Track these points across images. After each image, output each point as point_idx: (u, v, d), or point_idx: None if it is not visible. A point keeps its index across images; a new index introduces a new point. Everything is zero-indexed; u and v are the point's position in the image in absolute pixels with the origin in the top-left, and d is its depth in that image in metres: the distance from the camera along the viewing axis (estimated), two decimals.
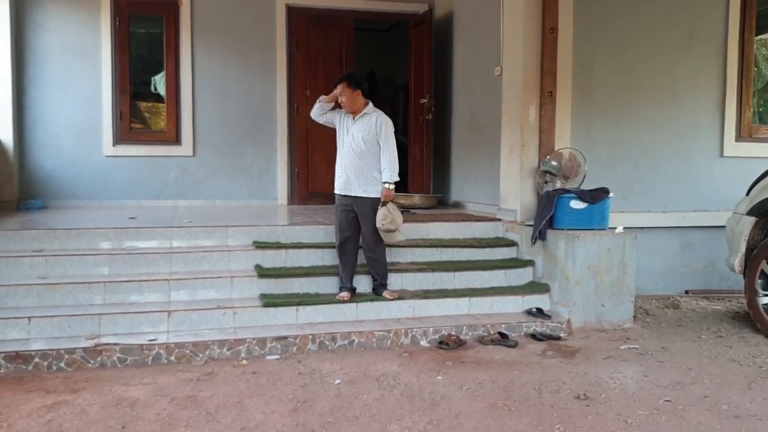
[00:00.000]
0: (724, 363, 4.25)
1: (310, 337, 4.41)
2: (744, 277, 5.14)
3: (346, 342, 4.48)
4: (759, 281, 4.96)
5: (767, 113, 6.99)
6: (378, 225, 4.86)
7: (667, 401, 3.56)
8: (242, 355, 4.26)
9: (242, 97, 8.01)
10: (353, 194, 4.91)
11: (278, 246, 5.21)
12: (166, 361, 4.14)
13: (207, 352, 4.21)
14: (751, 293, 5.03)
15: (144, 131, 7.98)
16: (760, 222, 5.08)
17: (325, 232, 5.39)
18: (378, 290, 4.98)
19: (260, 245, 5.20)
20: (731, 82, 6.53)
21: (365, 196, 4.90)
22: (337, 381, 3.82)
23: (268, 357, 4.27)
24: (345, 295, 4.85)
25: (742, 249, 5.12)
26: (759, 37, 6.84)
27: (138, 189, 7.73)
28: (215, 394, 3.60)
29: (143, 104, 8.08)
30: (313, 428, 3.15)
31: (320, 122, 5.15)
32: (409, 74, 8.62)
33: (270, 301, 4.64)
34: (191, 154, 7.88)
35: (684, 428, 3.20)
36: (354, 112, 4.93)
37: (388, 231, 4.92)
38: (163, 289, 4.72)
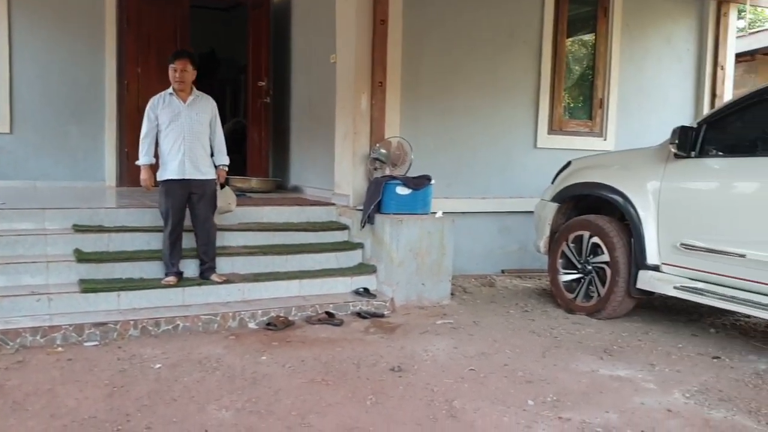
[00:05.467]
0: (526, 335, 4.70)
1: (132, 322, 4.33)
2: (548, 258, 5.68)
3: (170, 327, 4.45)
4: (560, 261, 5.50)
5: (576, 109, 7.68)
6: (223, 206, 5.04)
7: (471, 370, 3.89)
8: (58, 342, 4.10)
9: (68, 75, 7.56)
10: (195, 177, 4.88)
11: (100, 230, 5.03)
12: None
13: (18, 340, 4.01)
14: (553, 272, 5.57)
15: None
16: (562, 208, 5.61)
17: (152, 215, 5.27)
18: (206, 274, 4.97)
19: (80, 229, 4.99)
20: (545, 79, 7.09)
21: (207, 178, 4.95)
22: (158, 365, 3.81)
23: (85, 344, 4.14)
24: (172, 279, 4.81)
25: (547, 232, 5.65)
26: (570, 39, 7.50)
27: None
28: (24, 382, 3.47)
29: None
30: (128, 412, 3.14)
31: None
32: (247, 56, 8.57)
33: (89, 286, 4.50)
34: (8, 131, 7.33)
35: (482, 393, 3.53)
36: (183, 92, 4.89)
37: (228, 212, 5.11)
38: None
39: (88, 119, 7.66)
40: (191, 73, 4.90)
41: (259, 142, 8.32)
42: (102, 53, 7.65)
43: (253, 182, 7.68)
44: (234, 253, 5.29)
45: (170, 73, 4.87)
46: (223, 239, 5.36)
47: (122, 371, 3.69)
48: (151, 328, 4.39)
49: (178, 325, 4.48)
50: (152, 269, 4.90)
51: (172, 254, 4.87)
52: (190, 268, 5.01)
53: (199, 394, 3.40)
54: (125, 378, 3.59)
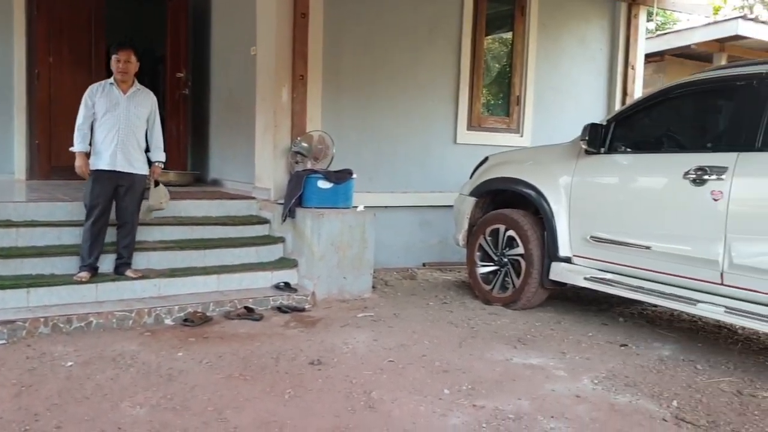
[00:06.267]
0: (444, 326, 4.81)
1: (42, 319, 4.18)
2: (467, 250, 5.81)
3: (83, 324, 4.31)
4: (478, 254, 5.64)
5: (496, 105, 7.86)
6: (154, 203, 5.02)
7: (390, 362, 3.95)
8: None
9: None
10: (127, 171, 4.81)
11: (8, 224, 4.81)
12: None
13: None
14: (471, 264, 5.70)
15: None
16: (479, 202, 5.74)
17: (64, 209, 5.11)
18: (121, 269, 4.85)
19: None
20: (464, 75, 7.20)
21: (138, 173, 4.89)
22: (69, 363, 3.70)
23: None
24: (84, 275, 4.66)
25: (466, 226, 5.78)
26: (489, 37, 7.67)
27: None
28: None
29: None
30: (36, 411, 3.05)
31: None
32: (165, 47, 8.37)
33: None
34: None
35: (400, 384, 3.60)
36: (124, 83, 4.82)
37: (159, 209, 5.08)
38: None
39: None
40: (134, 65, 4.86)
41: (177, 135, 8.14)
42: (10, 42, 7.33)
43: (171, 175, 7.50)
44: (150, 248, 5.17)
45: (113, 63, 4.81)
46: (139, 234, 5.20)
47: (31, 370, 3.57)
48: (62, 325, 4.24)
49: (91, 321, 4.35)
50: (64, 265, 4.74)
51: (92, 246, 4.74)
52: (104, 263, 4.87)
53: (113, 391, 3.33)
54: (34, 377, 3.47)
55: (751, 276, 3.87)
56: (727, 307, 3.99)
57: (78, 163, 4.77)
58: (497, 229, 5.45)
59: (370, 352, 4.12)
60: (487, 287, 5.53)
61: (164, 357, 3.87)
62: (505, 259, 5.40)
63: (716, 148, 4.23)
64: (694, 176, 4.14)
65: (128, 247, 4.92)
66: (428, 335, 4.52)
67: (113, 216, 4.88)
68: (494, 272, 5.53)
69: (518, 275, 5.26)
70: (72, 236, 4.90)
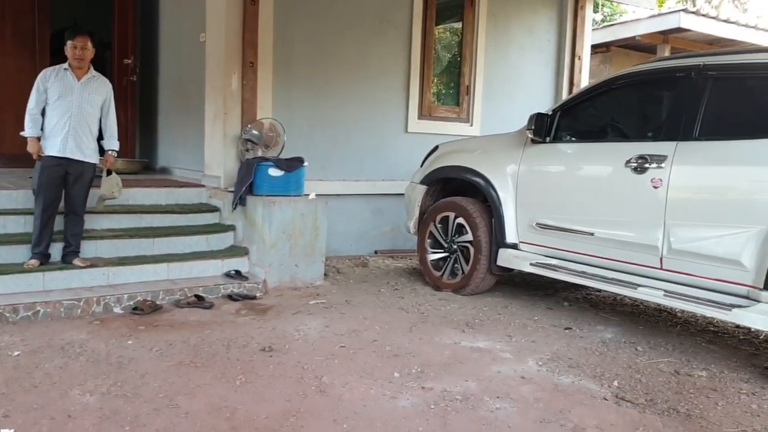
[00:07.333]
0: (395, 311, 4.88)
1: None
2: (418, 238, 5.88)
3: (30, 313, 4.25)
4: (428, 241, 5.72)
5: (446, 95, 7.93)
6: (106, 192, 4.97)
7: (342, 347, 4.00)
8: None
9: None
10: (76, 158, 4.74)
11: None
12: None
13: None
14: (422, 251, 5.79)
15: None
16: (430, 190, 5.83)
17: (8, 197, 5.00)
18: (68, 258, 4.79)
19: None
20: (415, 65, 7.24)
21: (88, 161, 4.83)
22: (17, 353, 3.64)
23: None
24: (34, 262, 4.61)
25: (416, 213, 5.85)
26: (440, 26, 7.73)
27: None
28: None
29: None
30: None
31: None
32: (112, 32, 8.18)
33: None
34: None
35: (351, 368, 3.66)
36: (80, 69, 4.76)
37: (112, 198, 5.04)
38: None
39: None
40: (91, 51, 4.81)
41: (125, 122, 7.96)
42: None
43: (119, 163, 7.27)
44: (98, 237, 5.10)
45: (69, 50, 4.73)
46: (87, 222, 5.13)
47: None
48: (8, 314, 4.17)
49: (39, 311, 4.28)
50: (8, 254, 4.65)
51: (42, 234, 4.67)
52: (52, 252, 4.79)
53: (62, 380, 3.30)
54: None
55: (689, 261, 4.04)
56: (666, 291, 4.14)
57: (31, 148, 4.69)
58: (447, 217, 5.54)
59: (322, 338, 4.17)
60: (437, 273, 5.62)
61: (114, 345, 3.85)
62: (455, 246, 5.50)
63: (656, 138, 4.38)
64: (635, 164, 4.28)
65: (76, 236, 4.86)
66: (379, 321, 4.59)
67: (62, 204, 4.81)
68: (444, 259, 5.62)
69: (467, 262, 5.37)
70: (17, 224, 4.81)
